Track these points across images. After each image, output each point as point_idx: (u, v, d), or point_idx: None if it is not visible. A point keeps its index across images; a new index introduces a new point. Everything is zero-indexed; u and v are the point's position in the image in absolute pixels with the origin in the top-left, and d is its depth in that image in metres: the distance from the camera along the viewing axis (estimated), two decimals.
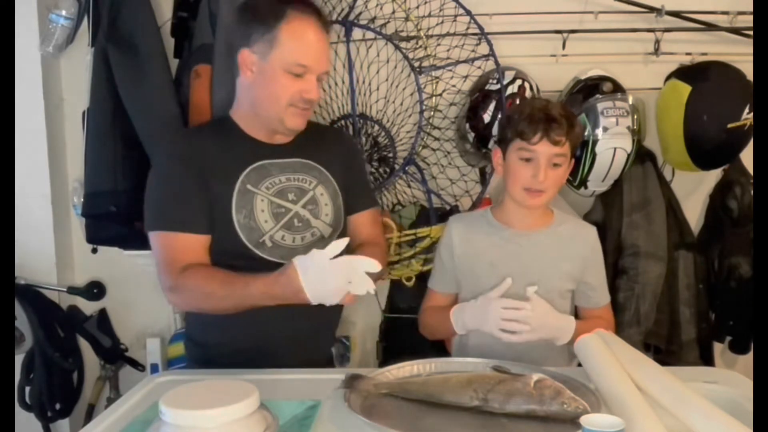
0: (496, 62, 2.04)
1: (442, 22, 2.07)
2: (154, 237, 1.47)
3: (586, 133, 1.93)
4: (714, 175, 2.16)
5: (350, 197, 1.62)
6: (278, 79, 1.44)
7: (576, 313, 1.63)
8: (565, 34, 2.08)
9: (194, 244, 1.44)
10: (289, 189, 1.52)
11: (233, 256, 1.45)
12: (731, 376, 1.33)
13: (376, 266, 1.29)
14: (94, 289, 2.27)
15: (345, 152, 1.66)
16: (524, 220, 1.58)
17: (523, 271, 1.52)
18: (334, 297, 1.31)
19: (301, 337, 1.51)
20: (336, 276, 1.29)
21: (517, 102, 1.98)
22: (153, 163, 1.54)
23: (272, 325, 1.47)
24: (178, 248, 1.43)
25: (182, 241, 1.43)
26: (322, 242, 1.52)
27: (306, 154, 1.57)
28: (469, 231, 1.61)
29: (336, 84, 2.13)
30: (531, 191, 1.50)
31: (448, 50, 2.08)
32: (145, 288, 2.29)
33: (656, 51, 2.10)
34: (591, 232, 1.62)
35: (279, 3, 1.44)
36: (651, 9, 2.06)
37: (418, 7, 2.07)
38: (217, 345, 1.54)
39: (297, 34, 1.42)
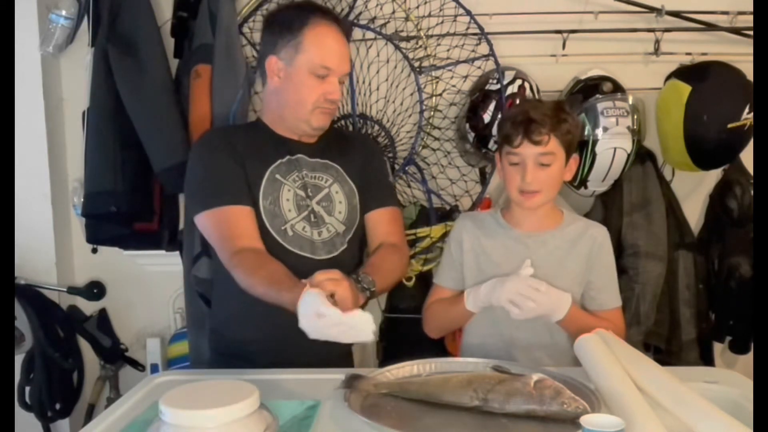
0: (496, 62, 2.04)
1: (442, 22, 2.07)
2: (204, 218, 1.52)
3: (585, 133, 1.94)
4: (714, 175, 2.16)
5: (367, 196, 1.65)
6: (304, 82, 1.52)
7: None
8: (565, 34, 2.08)
9: (243, 216, 1.49)
10: (309, 185, 1.58)
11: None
12: (731, 376, 1.33)
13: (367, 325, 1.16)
14: (94, 289, 2.27)
15: (364, 153, 1.70)
16: (531, 221, 1.58)
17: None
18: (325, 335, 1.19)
19: None
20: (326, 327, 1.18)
21: (517, 102, 1.98)
22: (190, 156, 1.60)
23: (288, 319, 1.47)
24: (229, 222, 1.49)
25: (232, 214, 1.49)
26: (338, 238, 1.57)
27: (327, 155, 1.63)
28: (478, 229, 1.62)
29: None
30: (524, 193, 1.52)
31: (448, 50, 2.09)
32: (145, 288, 2.29)
33: (656, 51, 2.10)
34: (600, 232, 1.60)
35: (302, 11, 1.53)
36: (651, 9, 2.06)
37: (418, 7, 2.07)
38: (239, 337, 1.58)
39: (320, 38, 1.51)
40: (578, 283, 1.56)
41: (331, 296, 1.22)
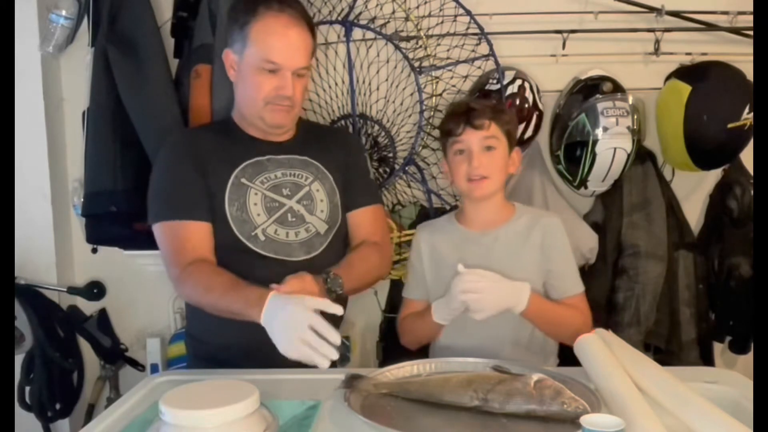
0: (496, 62, 2.04)
1: (442, 22, 2.07)
2: (159, 228, 1.49)
3: (585, 133, 1.94)
4: (714, 175, 2.16)
5: (349, 194, 1.62)
6: (253, 77, 1.47)
7: None
8: (565, 34, 2.08)
9: (198, 231, 1.46)
10: (284, 184, 1.53)
11: (227, 250, 1.47)
12: (731, 376, 1.33)
13: (327, 307, 1.24)
14: (94, 289, 2.27)
15: (345, 150, 1.66)
16: (484, 218, 1.59)
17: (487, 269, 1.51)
18: (286, 344, 1.24)
19: None
20: (288, 316, 1.24)
21: (517, 102, 1.99)
22: (155, 160, 1.57)
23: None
24: (183, 236, 1.45)
25: (187, 229, 1.46)
26: (318, 238, 1.54)
27: (305, 151, 1.59)
28: (434, 237, 1.63)
29: (336, 84, 2.13)
30: (473, 180, 1.53)
31: (448, 50, 2.08)
32: (145, 288, 2.29)
33: (656, 51, 2.10)
34: (551, 221, 1.60)
35: (253, 2, 1.47)
36: (651, 9, 2.06)
37: (418, 7, 2.07)
38: (217, 342, 1.55)
39: (266, 31, 1.45)
40: (537, 274, 1.56)
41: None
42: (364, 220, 1.63)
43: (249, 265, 1.44)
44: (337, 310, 1.25)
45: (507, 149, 1.57)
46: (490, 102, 1.60)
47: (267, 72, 1.45)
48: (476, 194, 1.55)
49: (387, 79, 2.15)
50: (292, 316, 1.23)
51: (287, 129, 1.58)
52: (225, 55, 1.52)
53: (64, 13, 2.06)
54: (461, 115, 1.54)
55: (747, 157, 2.02)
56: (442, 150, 1.65)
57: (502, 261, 1.52)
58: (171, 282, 1.48)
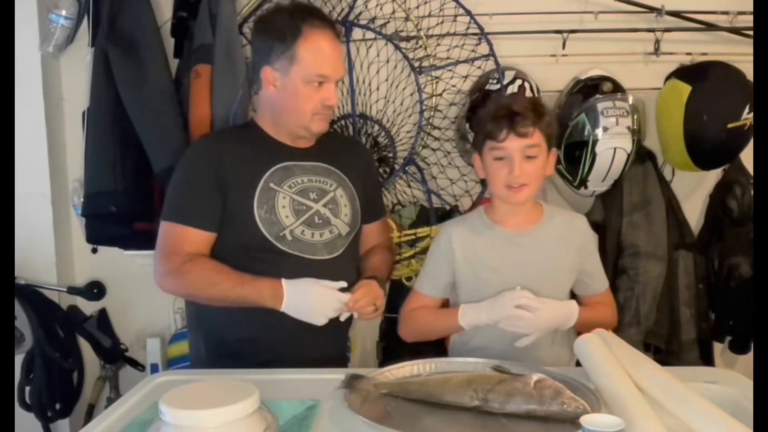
0: (496, 62, 2.04)
1: (442, 22, 2.07)
2: (163, 226, 1.57)
3: (585, 133, 1.94)
4: (714, 175, 2.16)
5: (366, 208, 1.71)
6: (301, 92, 1.54)
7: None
8: (565, 34, 2.08)
9: (198, 239, 1.54)
10: (311, 189, 1.60)
11: (254, 249, 1.54)
12: (731, 376, 1.33)
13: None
14: (94, 289, 2.27)
15: (363, 164, 1.76)
16: (517, 218, 1.57)
17: (526, 271, 1.52)
18: (312, 312, 1.49)
19: (313, 331, 1.53)
20: (317, 297, 1.49)
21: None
22: (180, 160, 1.63)
23: (286, 319, 1.51)
24: (182, 239, 1.54)
25: (188, 234, 1.54)
26: (340, 239, 1.60)
27: (327, 159, 1.66)
28: (469, 235, 1.59)
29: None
30: (512, 188, 1.50)
31: (448, 50, 2.09)
32: (145, 288, 2.28)
33: (656, 51, 2.10)
34: (582, 221, 1.62)
35: (294, 19, 1.53)
36: (651, 9, 2.06)
37: (418, 7, 2.07)
38: (238, 336, 1.58)
39: (314, 47, 1.52)
40: (572, 274, 1.58)
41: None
42: (378, 230, 1.78)
43: (274, 262, 1.52)
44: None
45: (546, 153, 1.52)
46: (532, 102, 1.53)
47: (315, 85, 1.53)
48: (513, 201, 1.52)
49: (387, 79, 2.15)
50: (321, 296, 1.50)
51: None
52: (264, 72, 1.55)
53: (64, 13, 2.06)
54: (504, 119, 1.46)
55: (747, 157, 2.02)
56: (475, 147, 1.58)
57: (541, 262, 1.53)
58: (157, 274, 1.54)
